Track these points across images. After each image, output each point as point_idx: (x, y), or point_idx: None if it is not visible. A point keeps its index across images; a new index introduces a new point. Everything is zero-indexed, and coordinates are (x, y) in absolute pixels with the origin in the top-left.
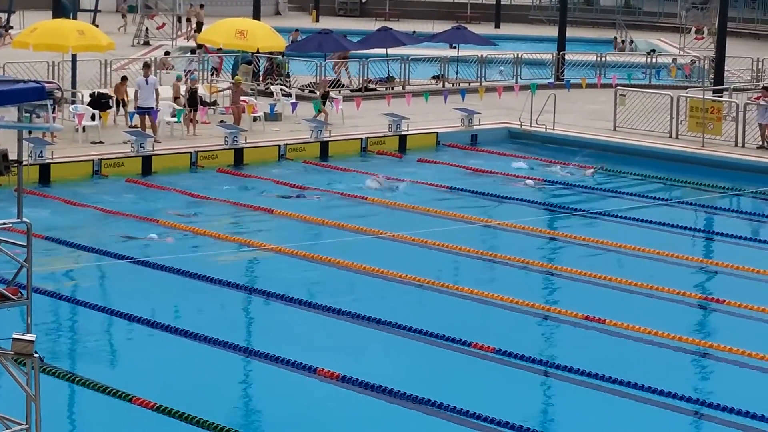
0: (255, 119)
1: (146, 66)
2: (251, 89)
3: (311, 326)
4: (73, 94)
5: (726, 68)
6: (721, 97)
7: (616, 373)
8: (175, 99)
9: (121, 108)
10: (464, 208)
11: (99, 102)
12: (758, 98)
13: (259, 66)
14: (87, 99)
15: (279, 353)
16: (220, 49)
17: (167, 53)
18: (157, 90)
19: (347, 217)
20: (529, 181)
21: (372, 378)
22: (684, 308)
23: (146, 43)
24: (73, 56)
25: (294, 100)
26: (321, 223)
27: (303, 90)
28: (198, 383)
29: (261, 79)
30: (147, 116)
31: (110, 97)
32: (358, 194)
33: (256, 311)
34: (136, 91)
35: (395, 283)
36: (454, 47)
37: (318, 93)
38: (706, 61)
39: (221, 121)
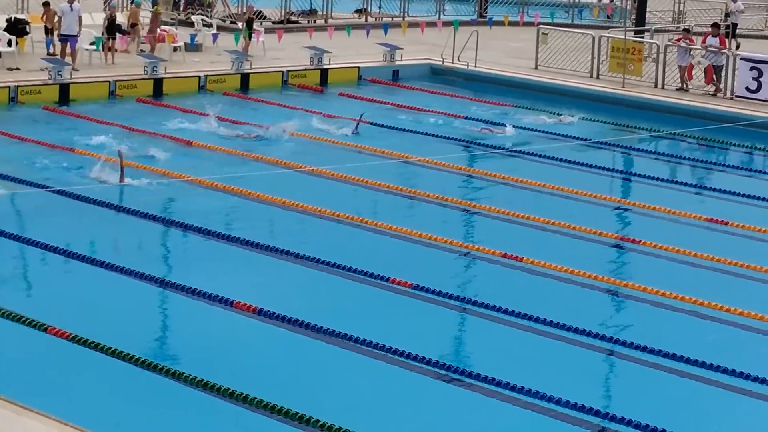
0: (175, 49)
1: None
2: (171, 19)
3: (228, 259)
4: None
5: (648, 9)
6: (642, 38)
7: (533, 311)
8: (133, 26)
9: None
10: (385, 144)
11: (16, 27)
12: (679, 40)
13: None
14: (3, 24)
15: (195, 285)
16: None
17: None
18: (80, 17)
19: (266, 151)
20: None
21: (289, 312)
22: (600, 247)
23: None
24: None
25: (215, 31)
26: (240, 156)
27: (224, 21)
28: (114, 314)
29: (182, 8)
30: (66, 44)
31: (27, 22)
32: (279, 127)
33: (172, 243)
34: (59, 18)
35: (313, 217)
36: None
37: (241, 23)
38: (628, 2)
39: (141, 50)
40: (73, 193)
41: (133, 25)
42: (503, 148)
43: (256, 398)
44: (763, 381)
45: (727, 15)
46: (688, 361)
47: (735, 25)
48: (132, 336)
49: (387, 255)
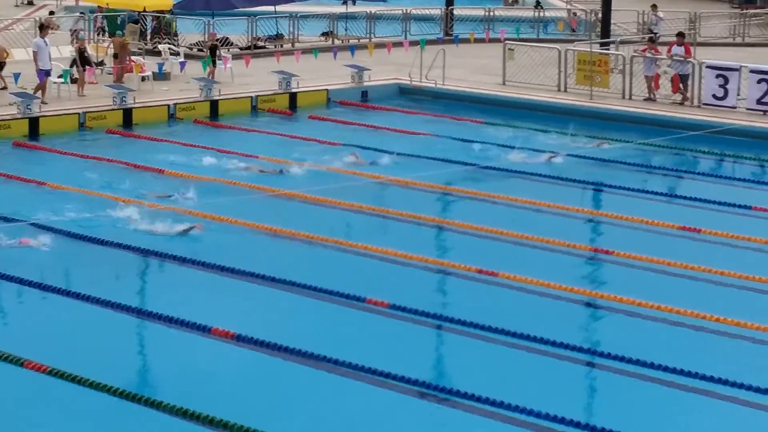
0: (143, 79)
1: (43, 27)
2: (139, 48)
3: (204, 286)
4: None
5: (612, 21)
6: (608, 50)
7: (509, 326)
8: (115, 56)
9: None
10: (356, 164)
11: None
12: (644, 50)
13: (146, 25)
14: None
15: (172, 314)
16: (106, 6)
17: (52, 13)
18: (49, 51)
19: (239, 176)
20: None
21: (267, 336)
22: (575, 259)
23: (30, 3)
24: None
25: (183, 59)
26: (214, 182)
27: (191, 48)
28: (91, 346)
29: (149, 38)
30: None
31: None
32: (250, 153)
33: (149, 273)
34: (35, 53)
35: (287, 240)
36: (344, 3)
37: (205, 50)
38: (592, 15)
39: (114, 81)
40: (46, 226)
41: (116, 55)
42: (474, 165)
43: (236, 424)
44: (741, 386)
45: (650, 27)
46: (666, 369)
47: (655, 34)
48: (110, 367)
49: (363, 275)
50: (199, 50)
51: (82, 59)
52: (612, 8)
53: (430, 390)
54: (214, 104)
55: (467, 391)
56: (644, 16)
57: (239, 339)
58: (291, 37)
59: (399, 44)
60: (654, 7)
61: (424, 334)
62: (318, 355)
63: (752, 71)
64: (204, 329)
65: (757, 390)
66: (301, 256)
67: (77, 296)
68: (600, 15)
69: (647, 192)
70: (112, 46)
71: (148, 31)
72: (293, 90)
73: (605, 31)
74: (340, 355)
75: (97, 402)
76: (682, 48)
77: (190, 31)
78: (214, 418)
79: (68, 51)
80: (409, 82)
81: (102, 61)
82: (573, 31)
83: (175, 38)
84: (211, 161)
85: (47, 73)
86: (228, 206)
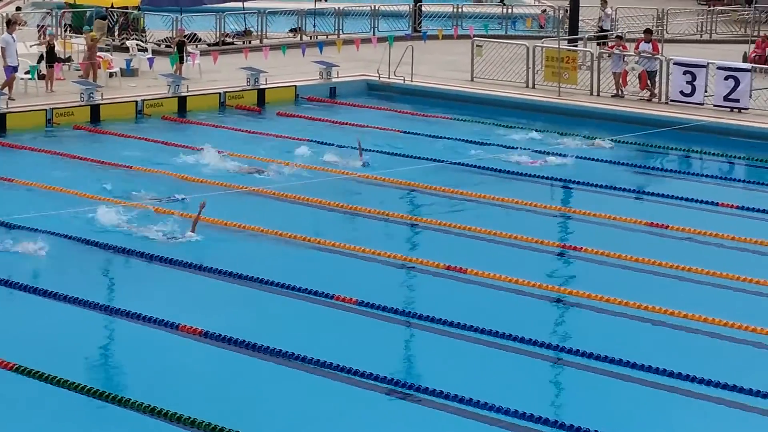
0: (111, 75)
1: (10, 23)
2: (106, 44)
3: (171, 282)
4: None
5: (580, 18)
6: (576, 46)
7: (478, 322)
8: (90, 49)
9: None
10: (324, 161)
11: None
12: (612, 47)
13: (114, 21)
14: None
15: (139, 310)
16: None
17: (18, 9)
18: (16, 47)
19: (207, 174)
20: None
21: (235, 333)
22: (543, 256)
23: None
24: None
25: (150, 55)
26: (182, 179)
27: (159, 45)
28: (58, 343)
29: (116, 34)
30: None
31: None
32: (220, 150)
33: (116, 269)
34: (3, 49)
35: (255, 237)
36: None
37: (173, 47)
38: (560, 11)
39: (80, 77)
40: (11, 223)
41: (90, 48)
42: (443, 161)
43: (204, 422)
44: (709, 383)
45: (600, 24)
46: (634, 366)
47: (605, 30)
48: (77, 364)
49: (331, 272)
50: (167, 46)
51: (50, 55)
52: (580, 5)
53: (398, 387)
54: (182, 100)
55: (435, 388)
56: (612, 13)
57: (207, 336)
58: (259, 33)
59: (367, 41)
60: (604, 2)
61: (393, 331)
62: (286, 352)
63: (719, 68)
64: (172, 326)
65: (725, 387)
66: (269, 253)
67: (43, 293)
68: (568, 12)
69: (615, 188)
70: (86, 41)
71: (116, 28)
72: (261, 86)
73: (573, 28)
74: (308, 352)
75: (63, 399)
76: (650, 45)
77: (158, 27)
78: (182, 415)
79: (35, 47)
80: (377, 79)
81: (69, 57)
82: (541, 27)
83: (143, 34)
84: (179, 158)
85: (14, 69)
86: (195, 203)
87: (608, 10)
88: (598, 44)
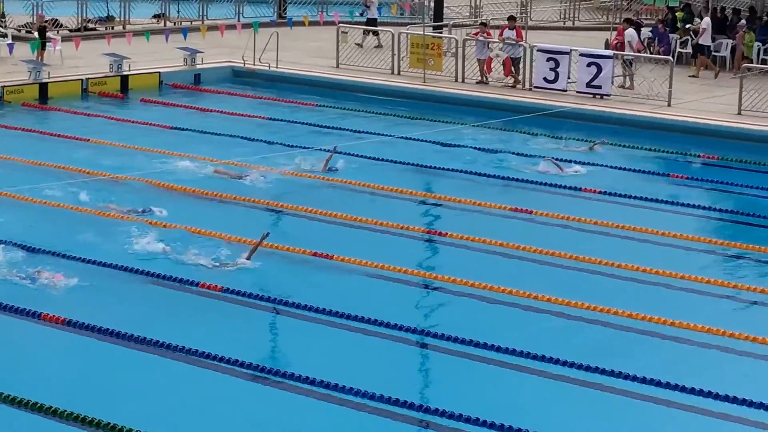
0: None
1: None
2: None
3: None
4: None
5: (445, 5)
6: (441, 33)
7: (343, 308)
8: None
9: None
10: (190, 148)
11: None
12: (476, 34)
13: None
14: None
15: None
16: None
17: None
18: None
19: (69, 160)
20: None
21: (97, 321)
22: (409, 242)
23: None
24: None
25: (11, 41)
26: (41, 166)
27: (19, 30)
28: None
29: None
30: None
31: None
32: (81, 137)
33: None
34: None
35: (103, 223)
36: None
37: (34, 32)
38: None
39: None
40: None
41: None
42: (308, 147)
43: (66, 411)
44: (580, 366)
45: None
46: (498, 349)
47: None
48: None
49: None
50: (28, 32)
51: None
52: None
53: (263, 374)
54: (43, 87)
55: (301, 374)
56: (476, 0)
57: (70, 324)
58: (122, 19)
59: (232, 27)
60: None
61: (257, 318)
62: (150, 339)
63: (582, 55)
64: (34, 315)
65: (580, 367)
66: (125, 240)
67: None
68: None
69: (480, 174)
70: None
71: None
72: (125, 73)
73: (438, 15)
74: (172, 340)
75: None
76: (514, 32)
77: (18, 12)
78: (44, 405)
79: None
80: (242, 65)
81: None
82: (405, 14)
83: (3, 20)
84: (40, 145)
85: None
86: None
87: None
88: (477, 33)
